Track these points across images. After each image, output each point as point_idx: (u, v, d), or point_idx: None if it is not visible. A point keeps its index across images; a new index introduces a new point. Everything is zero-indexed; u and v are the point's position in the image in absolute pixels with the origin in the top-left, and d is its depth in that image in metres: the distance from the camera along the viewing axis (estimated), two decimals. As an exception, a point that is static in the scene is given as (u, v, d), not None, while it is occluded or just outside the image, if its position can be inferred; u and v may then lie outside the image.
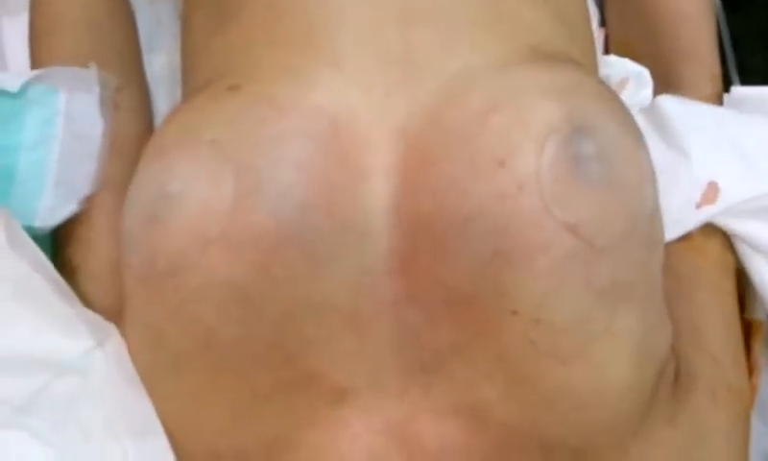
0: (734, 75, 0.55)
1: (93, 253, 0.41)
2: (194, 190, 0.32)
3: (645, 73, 0.46)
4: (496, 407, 0.33)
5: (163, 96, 0.48)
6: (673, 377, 0.37)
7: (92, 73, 0.43)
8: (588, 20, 0.42)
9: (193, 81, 0.40)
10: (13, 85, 0.42)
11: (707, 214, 0.40)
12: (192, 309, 0.32)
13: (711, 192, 0.40)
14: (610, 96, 0.35)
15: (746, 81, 0.58)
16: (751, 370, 0.40)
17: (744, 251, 0.40)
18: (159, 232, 0.32)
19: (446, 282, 0.32)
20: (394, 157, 0.33)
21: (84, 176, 0.41)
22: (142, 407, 0.35)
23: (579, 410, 0.33)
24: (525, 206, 0.31)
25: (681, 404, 0.36)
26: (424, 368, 0.33)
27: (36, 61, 0.44)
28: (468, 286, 0.32)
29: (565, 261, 0.31)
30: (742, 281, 0.41)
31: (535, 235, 0.31)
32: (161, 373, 0.35)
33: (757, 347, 0.41)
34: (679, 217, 0.39)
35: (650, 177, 0.34)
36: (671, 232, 0.40)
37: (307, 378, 0.33)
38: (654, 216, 0.34)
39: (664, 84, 0.46)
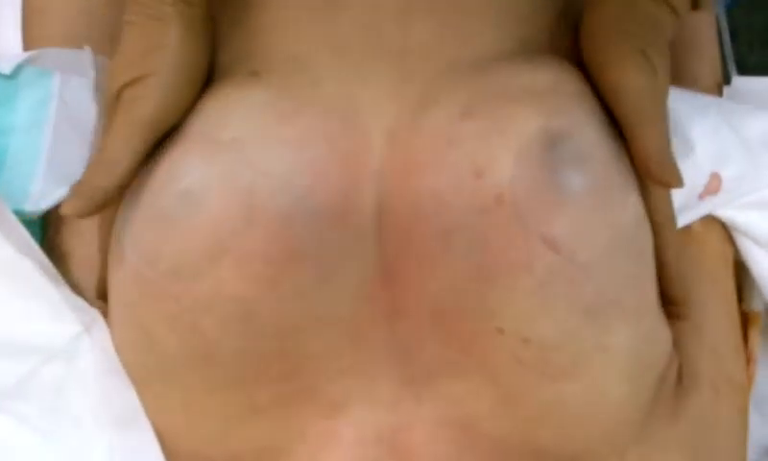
0: (732, 69, 0.55)
1: (83, 240, 0.40)
2: (211, 192, 0.30)
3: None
4: (487, 422, 0.32)
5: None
6: (675, 378, 0.36)
7: (87, 55, 0.42)
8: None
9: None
10: (6, 67, 0.41)
11: (709, 205, 0.39)
12: (191, 320, 0.31)
13: (714, 183, 0.40)
14: (590, 98, 0.33)
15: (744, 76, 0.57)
16: (747, 360, 0.40)
17: (743, 242, 0.40)
18: (168, 231, 0.31)
19: (431, 298, 0.31)
20: (384, 161, 0.32)
21: (76, 160, 0.40)
22: (127, 397, 0.34)
23: (574, 424, 0.32)
24: (503, 221, 0.30)
25: (683, 403, 0.36)
26: (414, 381, 0.33)
27: (28, 43, 0.44)
28: (452, 303, 0.31)
29: (549, 279, 0.30)
30: (739, 272, 0.41)
31: (516, 252, 0.30)
32: (152, 376, 0.34)
33: (754, 338, 0.41)
34: (682, 207, 0.39)
35: (632, 182, 0.33)
36: (673, 223, 0.39)
37: (305, 392, 0.33)
38: (639, 223, 0.33)
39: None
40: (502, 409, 0.32)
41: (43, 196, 0.40)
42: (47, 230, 0.41)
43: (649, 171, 0.32)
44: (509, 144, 0.30)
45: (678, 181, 0.32)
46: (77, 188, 0.32)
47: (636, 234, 0.33)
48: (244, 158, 0.30)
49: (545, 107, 0.31)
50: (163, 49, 0.32)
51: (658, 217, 0.34)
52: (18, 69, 0.41)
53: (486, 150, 0.30)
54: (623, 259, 0.32)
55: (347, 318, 0.32)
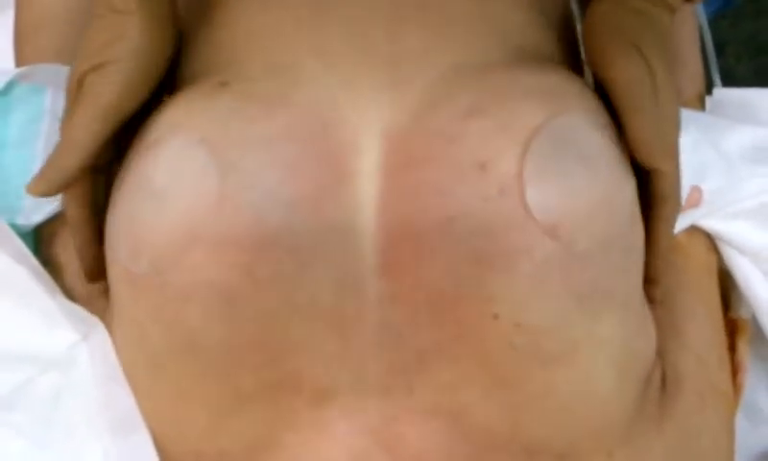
0: (717, 79, 0.55)
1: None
2: (179, 189, 0.31)
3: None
4: (478, 410, 0.33)
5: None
6: (660, 383, 0.37)
7: (78, 71, 0.42)
8: (572, 22, 0.43)
9: (181, 71, 0.39)
10: (-2, 84, 0.42)
11: (691, 217, 0.40)
12: (175, 310, 0.32)
13: (695, 195, 0.40)
14: (592, 98, 0.35)
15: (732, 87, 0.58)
16: (736, 369, 0.40)
17: (727, 251, 0.40)
18: (143, 229, 0.32)
19: (429, 284, 0.32)
20: (379, 159, 0.32)
21: (68, 174, 0.41)
22: (125, 403, 0.34)
23: (562, 413, 0.33)
24: (506, 210, 0.31)
25: (668, 410, 0.36)
26: (406, 369, 0.33)
27: (21, 59, 0.44)
28: (449, 288, 0.32)
29: (546, 265, 0.31)
30: (726, 280, 0.41)
31: (516, 239, 0.31)
32: (144, 371, 0.34)
33: (743, 345, 0.41)
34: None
35: (630, 181, 0.34)
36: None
37: (290, 380, 0.33)
38: (634, 221, 0.34)
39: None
40: (492, 395, 0.33)
41: (35, 210, 0.40)
42: (40, 243, 0.41)
43: (638, 154, 0.33)
44: (514, 138, 0.31)
45: (664, 164, 0.33)
46: (42, 170, 0.34)
47: (631, 230, 0.34)
48: (213, 157, 0.32)
49: (549, 105, 0.32)
50: (125, 40, 0.34)
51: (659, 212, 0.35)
52: (11, 85, 0.42)
53: (490, 145, 0.31)
54: (617, 252, 0.33)
55: (330, 306, 0.32)
